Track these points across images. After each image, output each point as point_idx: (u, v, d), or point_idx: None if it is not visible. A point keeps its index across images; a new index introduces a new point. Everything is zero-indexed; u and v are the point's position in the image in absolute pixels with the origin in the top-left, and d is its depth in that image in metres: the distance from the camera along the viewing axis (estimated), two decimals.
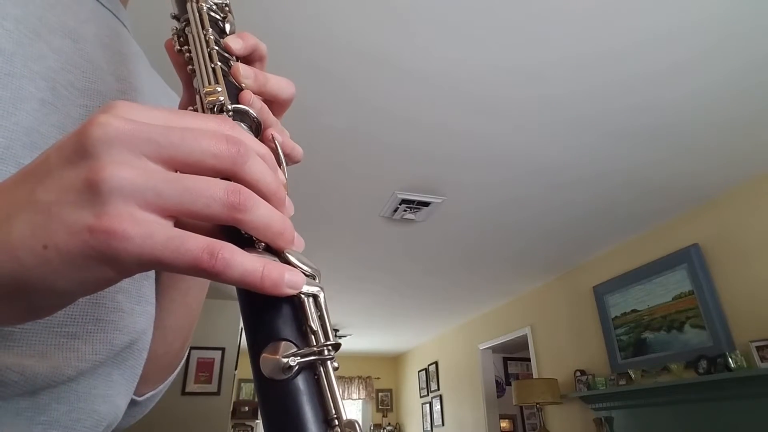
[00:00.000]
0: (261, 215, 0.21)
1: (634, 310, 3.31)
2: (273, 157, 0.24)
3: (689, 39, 1.70)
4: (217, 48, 0.30)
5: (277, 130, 0.32)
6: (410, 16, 1.60)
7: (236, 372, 4.37)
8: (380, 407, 7.60)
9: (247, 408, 5.92)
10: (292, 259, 0.23)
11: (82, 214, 0.18)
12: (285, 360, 0.21)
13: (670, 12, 1.59)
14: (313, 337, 0.22)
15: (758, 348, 2.43)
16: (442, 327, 6.02)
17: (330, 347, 0.22)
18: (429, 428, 6.37)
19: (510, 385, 5.65)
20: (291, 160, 0.32)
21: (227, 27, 0.33)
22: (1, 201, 0.19)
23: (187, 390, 3.89)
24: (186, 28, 0.32)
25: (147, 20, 1.36)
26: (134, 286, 0.35)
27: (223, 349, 4.11)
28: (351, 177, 2.59)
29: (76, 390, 0.30)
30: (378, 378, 7.73)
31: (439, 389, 6.24)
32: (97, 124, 0.19)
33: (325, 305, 0.23)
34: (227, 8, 0.34)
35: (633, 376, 3.18)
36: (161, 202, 0.19)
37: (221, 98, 0.27)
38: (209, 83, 0.28)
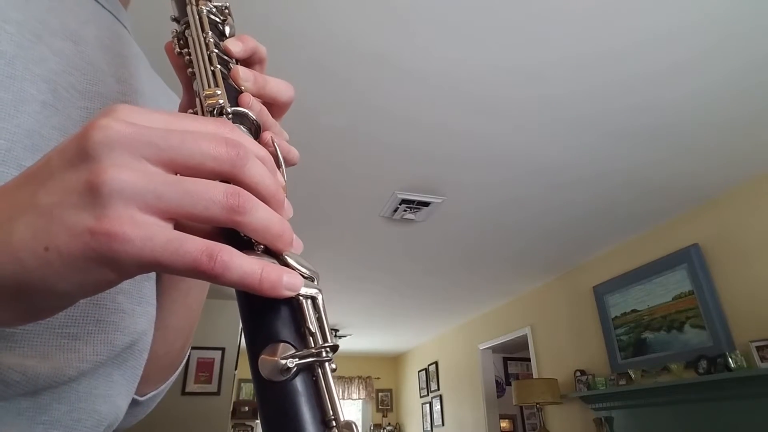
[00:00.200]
0: (260, 218, 0.21)
1: (634, 310, 3.31)
2: (272, 159, 0.25)
3: (689, 39, 1.70)
4: (216, 51, 0.30)
5: (277, 132, 0.32)
6: (410, 16, 1.60)
7: (236, 372, 4.37)
8: (380, 407, 7.60)
9: (247, 408, 5.92)
10: (290, 261, 0.23)
11: (82, 216, 0.18)
12: (283, 361, 0.21)
13: (670, 12, 1.59)
14: (311, 338, 0.22)
15: (758, 348, 2.43)
16: (442, 327, 6.02)
17: (328, 349, 0.22)
18: (429, 428, 6.37)
19: (510, 385, 5.65)
20: (287, 162, 0.32)
21: (227, 30, 0.34)
22: (3, 203, 0.19)
23: (187, 390, 3.89)
24: (186, 31, 0.33)
25: (148, 21, 1.36)
26: (135, 287, 0.35)
27: (223, 349, 4.11)
28: (351, 177, 2.59)
29: (77, 390, 0.31)
30: (378, 378, 7.74)
31: (439, 389, 6.24)
32: (98, 128, 0.19)
33: (324, 307, 0.24)
34: (227, 11, 0.34)
35: (633, 376, 3.18)
36: (161, 205, 0.19)
37: (221, 101, 0.27)
38: (209, 86, 0.28)
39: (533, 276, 4.22)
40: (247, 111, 0.29)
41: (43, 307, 0.20)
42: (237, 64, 0.32)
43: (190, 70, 0.31)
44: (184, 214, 0.20)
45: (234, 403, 5.24)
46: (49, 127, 0.30)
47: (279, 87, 0.32)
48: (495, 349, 5.38)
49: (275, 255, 0.23)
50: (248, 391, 6.45)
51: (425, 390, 6.64)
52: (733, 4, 1.57)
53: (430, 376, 6.50)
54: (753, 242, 2.60)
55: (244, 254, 0.20)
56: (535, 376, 4.33)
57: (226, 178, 0.21)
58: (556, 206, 2.92)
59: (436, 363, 6.42)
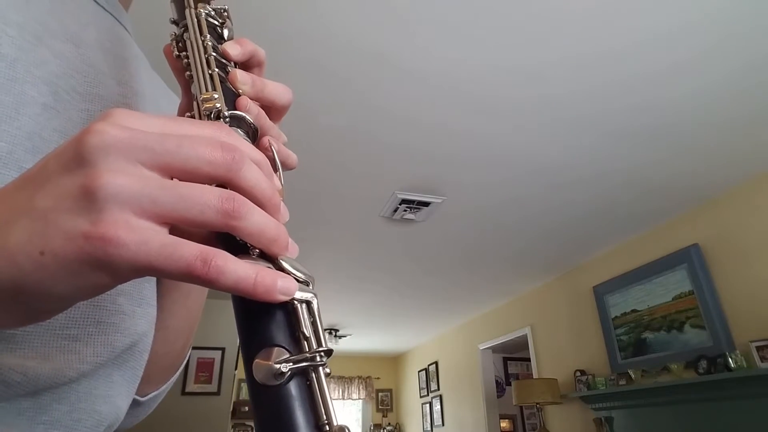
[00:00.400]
0: (255, 222, 0.21)
1: (634, 310, 3.32)
2: (269, 163, 0.25)
3: (689, 39, 1.71)
4: (214, 54, 0.31)
5: (275, 135, 0.32)
6: (410, 16, 1.60)
7: (236, 372, 4.37)
8: (380, 407, 7.60)
9: (247, 408, 5.93)
10: (285, 265, 0.23)
11: (78, 220, 0.18)
12: (277, 366, 0.21)
13: (670, 12, 1.59)
14: (305, 343, 0.22)
15: (758, 348, 2.43)
16: (442, 327, 6.02)
17: (322, 353, 0.22)
18: (429, 428, 6.38)
19: (510, 385, 5.65)
20: (285, 167, 0.32)
21: (225, 33, 0.34)
22: (1, 206, 0.19)
23: (187, 390, 3.89)
24: (184, 34, 0.33)
25: (149, 23, 1.37)
26: (135, 289, 0.36)
27: (223, 349, 4.11)
28: (351, 177, 2.60)
29: (77, 390, 0.31)
30: (378, 378, 7.74)
31: (439, 389, 6.24)
32: (93, 132, 0.19)
33: (318, 312, 0.24)
34: (226, 14, 0.34)
35: (633, 376, 3.18)
36: (156, 209, 0.19)
37: (218, 105, 0.27)
38: (206, 90, 0.29)
39: (533, 276, 4.22)
40: (244, 114, 0.29)
41: (40, 309, 0.20)
42: (235, 67, 0.32)
43: (188, 73, 0.31)
44: (179, 218, 0.20)
45: (234, 403, 5.25)
46: (49, 130, 0.30)
47: (277, 90, 0.32)
48: (495, 349, 5.38)
49: (271, 259, 0.23)
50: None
51: (425, 390, 6.64)
52: (733, 4, 1.57)
53: (430, 376, 6.50)
54: (753, 242, 2.60)
55: (239, 259, 0.20)
56: (535, 376, 4.33)
57: (222, 183, 0.21)
58: (556, 206, 2.92)
59: (436, 363, 6.42)
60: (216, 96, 0.28)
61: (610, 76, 1.88)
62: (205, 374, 4.02)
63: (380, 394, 7.69)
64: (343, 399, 7.48)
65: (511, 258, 3.76)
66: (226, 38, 0.33)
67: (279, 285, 0.21)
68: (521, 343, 4.91)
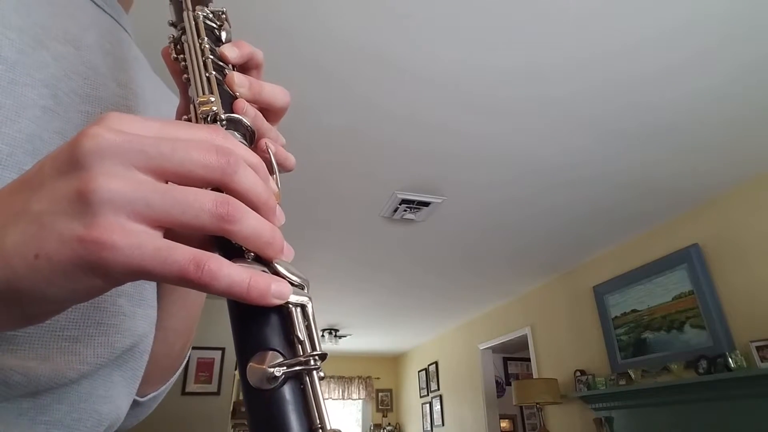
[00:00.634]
0: (249, 226, 0.21)
1: (634, 310, 3.32)
2: (265, 166, 0.25)
3: (689, 39, 1.71)
4: (212, 57, 0.31)
5: (272, 137, 0.32)
6: (411, 16, 1.60)
7: (236, 372, 4.37)
8: (380, 407, 7.60)
9: None
10: (280, 269, 0.23)
11: (72, 224, 0.18)
12: (271, 370, 0.21)
13: (670, 12, 1.59)
14: (300, 346, 0.22)
15: (758, 348, 2.43)
16: (442, 327, 6.02)
17: (316, 357, 0.22)
18: (429, 428, 6.38)
19: (510, 385, 5.65)
20: (283, 169, 0.32)
21: (223, 35, 0.34)
22: None
23: (187, 390, 3.89)
24: (182, 37, 0.33)
25: (149, 24, 1.36)
26: (136, 290, 0.36)
27: (223, 349, 4.12)
28: (351, 177, 2.60)
29: (77, 391, 0.31)
30: (378, 378, 7.74)
31: (439, 389, 6.24)
32: (88, 136, 0.19)
33: (313, 315, 0.24)
34: (224, 16, 0.34)
35: (633, 376, 3.18)
36: (150, 213, 0.19)
37: (214, 108, 0.27)
38: (203, 93, 0.29)
39: (533, 276, 4.22)
40: (241, 117, 0.29)
41: (35, 312, 0.20)
42: (233, 69, 0.32)
43: (185, 76, 0.31)
44: (173, 222, 0.20)
45: (234, 403, 5.24)
46: (50, 132, 0.30)
47: (274, 92, 0.32)
48: (495, 349, 5.38)
49: (266, 263, 0.23)
50: None
51: (425, 390, 6.64)
52: (733, 4, 1.57)
53: (430, 376, 6.50)
54: (753, 242, 2.60)
55: (233, 263, 0.20)
56: (535, 376, 4.33)
57: (217, 186, 0.21)
58: (556, 206, 2.92)
59: (436, 363, 6.42)
60: (212, 99, 0.28)
61: (610, 76, 1.88)
62: (205, 374, 4.02)
63: (380, 394, 7.69)
64: (343, 399, 7.49)
65: (511, 258, 3.76)
66: (223, 41, 0.33)
67: (273, 289, 0.21)
68: (521, 343, 4.91)
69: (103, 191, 0.18)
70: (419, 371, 6.93)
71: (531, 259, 3.80)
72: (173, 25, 0.34)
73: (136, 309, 0.35)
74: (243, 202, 0.21)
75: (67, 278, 0.18)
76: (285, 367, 0.21)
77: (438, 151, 2.36)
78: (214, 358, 4.06)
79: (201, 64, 0.30)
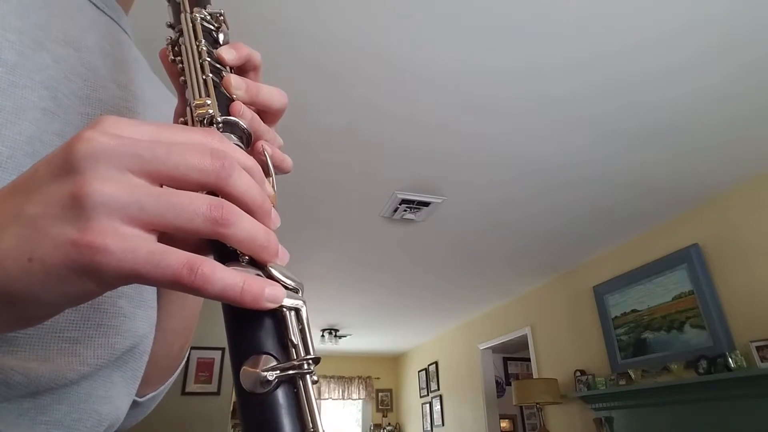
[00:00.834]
0: (244, 229, 0.21)
1: (634, 310, 3.32)
2: (260, 169, 0.25)
3: (689, 39, 1.71)
4: (209, 59, 0.30)
5: (270, 139, 0.32)
6: (411, 16, 1.60)
7: None
8: (380, 407, 7.61)
9: None
10: (274, 272, 0.23)
11: (66, 228, 0.18)
12: (264, 374, 0.21)
13: (670, 12, 1.59)
14: (293, 350, 0.22)
15: (758, 348, 2.43)
16: (442, 327, 6.02)
17: (310, 361, 0.22)
18: (429, 428, 6.38)
19: (510, 385, 5.65)
20: (280, 171, 0.32)
21: (221, 37, 0.33)
22: None
23: (187, 390, 3.89)
24: (180, 39, 0.32)
25: (149, 25, 1.36)
26: (136, 291, 0.36)
27: (223, 349, 4.11)
28: (351, 177, 2.60)
29: (77, 391, 0.31)
30: (378, 378, 7.74)
31: (439, 389, 6.24)
32: (82, 140, 0.19)
33: (307, 319, 0.23)
34: (222, 18, 0.34)
35: (633, 376, 3.18)
36: (144, 217, 0.19)
37: (211, 111, 0.27)
38: (200, 95, 0.28)
39: (533, 276, 4.22)
40: (237, 120, 0.28)
41: (28, 315, 0.20)
42: (231, 71, 0.32)
43: (182, 78, 0.31)
44: (167, 226, 0.20)
45: (234, 403, 5.24)
46: (49, 134, 0.30)
47: (272, 94, 0.32)
48: (495, 349, 5.38)
49: (260, 266, 0.23)
50: None
51: (425, 390, 6.65)
52: (733, 4, 1.57)
53: (430, 376, 6.50)
54: (753, 242, 2.60)
55: (226, 267, 0.20)
56: (535, 376, 4.33)
57: (212, 190, 0.21)
58: (556, 206, 2.92)
59: (436, 363, 6.42)
60: (209, 102, 0.28)
61: (610, 76, 1.88)
62: (205, 374, 4.02)
63: (380, 394, 7.70)
64: (343, 399, 7.49)
65: (511, 258, 3.76)
66: (221, 42, 0.33)
67: (266, 293, 0.21)
68: (521, 343, 4.91)
69: (96, 195, 0.18)
70: (419, 371, 6.93)
71: (531, 259, 3.80)
72: (171, 26, 0.34)
73: (137, 310, 0.35)
74: (238, 205, 0.21)
75: (61, 281, 0.18)
76: (278, 371, 0.21)
77: (438, 151, 2.36)
78: (214, 358, 4.06)
79: (198, 66, 0.30)
